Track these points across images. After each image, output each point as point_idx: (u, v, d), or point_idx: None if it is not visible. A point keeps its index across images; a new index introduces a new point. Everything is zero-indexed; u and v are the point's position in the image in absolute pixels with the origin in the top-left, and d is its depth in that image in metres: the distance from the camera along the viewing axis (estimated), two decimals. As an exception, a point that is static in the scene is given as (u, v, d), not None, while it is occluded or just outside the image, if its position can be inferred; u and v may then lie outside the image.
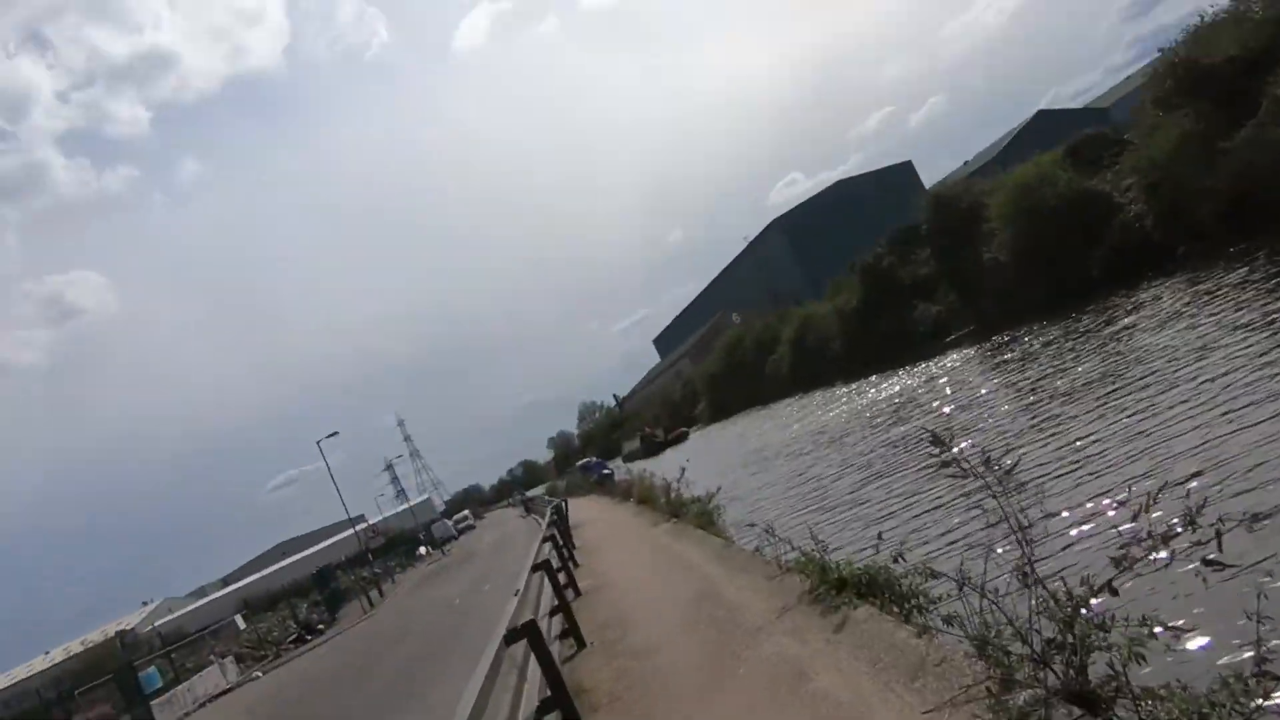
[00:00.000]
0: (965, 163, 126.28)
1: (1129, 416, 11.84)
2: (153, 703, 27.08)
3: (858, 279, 46.82)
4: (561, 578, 12.61)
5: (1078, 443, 11.66)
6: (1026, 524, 3.80)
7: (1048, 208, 29.16)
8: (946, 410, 20.22)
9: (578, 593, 13.07)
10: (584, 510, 31.37)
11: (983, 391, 21.12)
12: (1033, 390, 17.67)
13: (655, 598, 10.43)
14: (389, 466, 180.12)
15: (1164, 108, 25.74)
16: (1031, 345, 24.83)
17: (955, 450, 4.27)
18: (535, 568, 9.86)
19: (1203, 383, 11.69)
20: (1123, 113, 71.65)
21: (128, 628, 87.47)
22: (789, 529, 11.17)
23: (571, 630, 9.78)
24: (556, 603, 9.73)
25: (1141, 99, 28.88)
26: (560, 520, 21.83)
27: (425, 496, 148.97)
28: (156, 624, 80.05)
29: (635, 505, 23.78)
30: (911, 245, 48.37)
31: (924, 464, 15.11)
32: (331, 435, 50.11)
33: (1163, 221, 25.50)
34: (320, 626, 36.03)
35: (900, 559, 6.34)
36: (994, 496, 3.88)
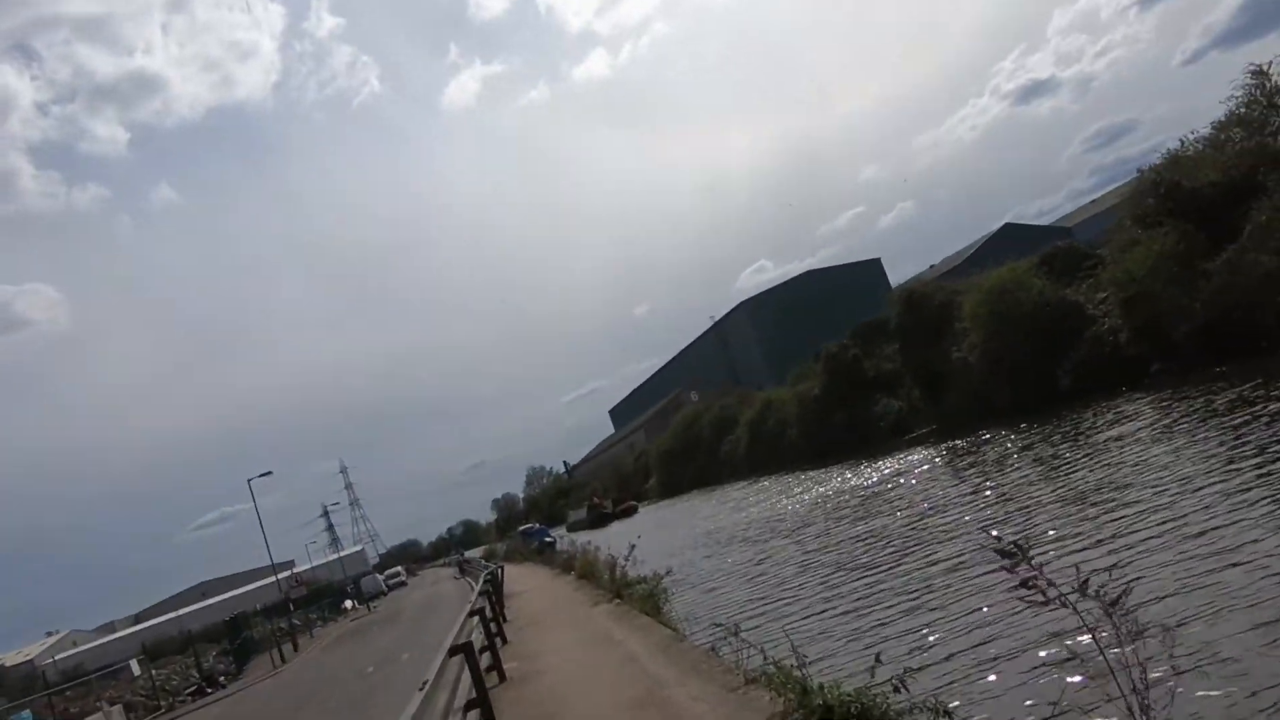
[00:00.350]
0: (931, 266, 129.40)
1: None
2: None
3: (821, 367, 46.34)
4: (487, 658, 11.14)
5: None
6: (1145, 685, 2.63)
7: (1021, 313, 28.91)
8: (925, 506, 19.16)
9: (503, 678, 11.53)
10: (521, 579, 29.59)
11: (953, 491, 20.19)
12: (1008, 497, 16.77)
13: (593, 698, 8.98)
14: (325, 513, 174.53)
15: (1143, 224, 25.76)
16: (1001, 448, 24.12)
17: (1029, 564, 3.11)
18: (454, 650, 8.42)
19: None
20: (1086, 234, 73.91)
21: (27, 658, 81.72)
22: (751, 627, 9.91)
23: (490, 730, 8.32)
24: (475, 695, 8.27)
25: (1120, 217, 29.06)
26: (494, 589, 20.24)
27: (359, 548, 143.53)
28: (56, 658, 74.96)
29: (576, 579, 22.21)
30: (877, 339, 48.25)
31: (906, 563, 13.95)
32: (265, 474, 47.15)
33: (1137, 337, 25.24)
34: (222, 679, 33.23)
35: (903, 687, 5.13)
36: (1095, 640, 2.71)
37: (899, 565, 14.04)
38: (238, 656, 35.80)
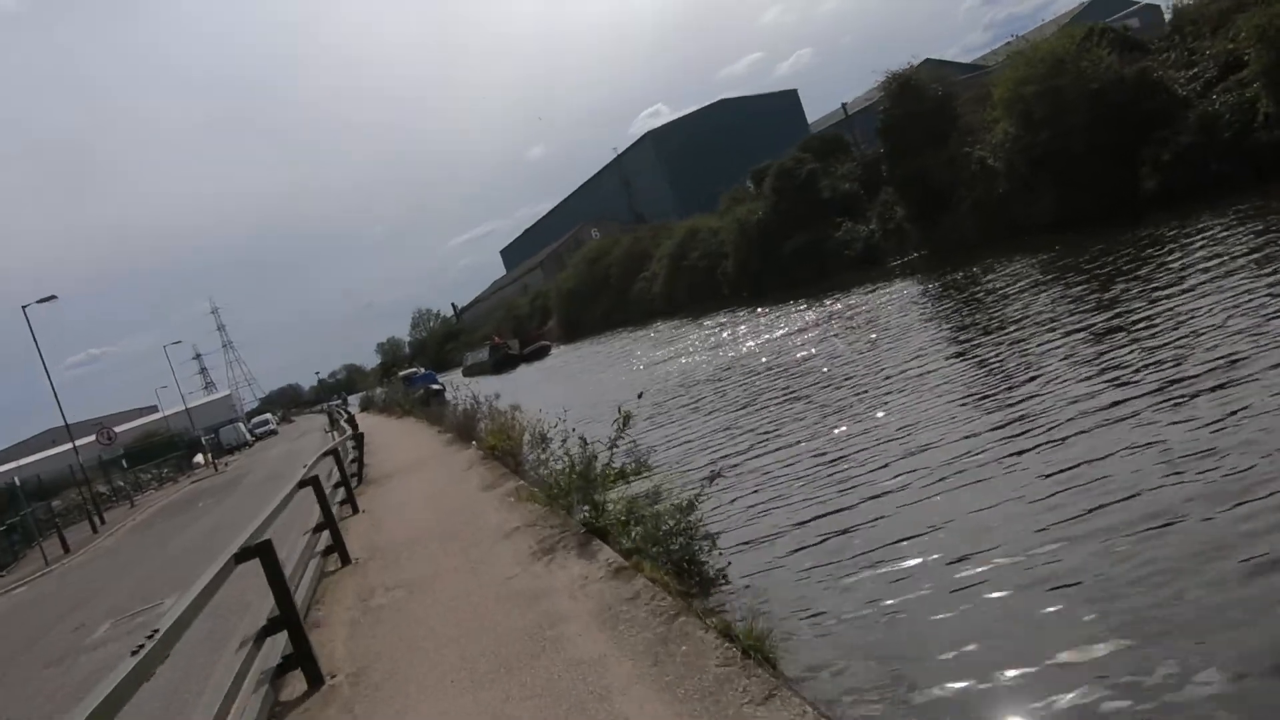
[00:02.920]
0: (843, 104, 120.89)
1: None
2: None
3: (770, 186, 38.26)
4: None
5: None
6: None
7: (1084, 92, 21.36)
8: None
9: None
10: (393, 447, 21.55)
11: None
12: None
13: None
14: (197, 355, 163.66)
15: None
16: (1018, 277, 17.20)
17: None
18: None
19: None
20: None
21: None
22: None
23: None
24: None
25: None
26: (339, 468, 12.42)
27: (225, 393, 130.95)
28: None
29: (477, 453, 14.39)
30: (832, 157, 40.53)
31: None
32: (48, 299, 34.51)
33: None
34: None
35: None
36: None
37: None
38: (6, 541, 26.63)
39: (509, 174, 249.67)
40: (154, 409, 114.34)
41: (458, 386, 36.11)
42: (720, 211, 53.04)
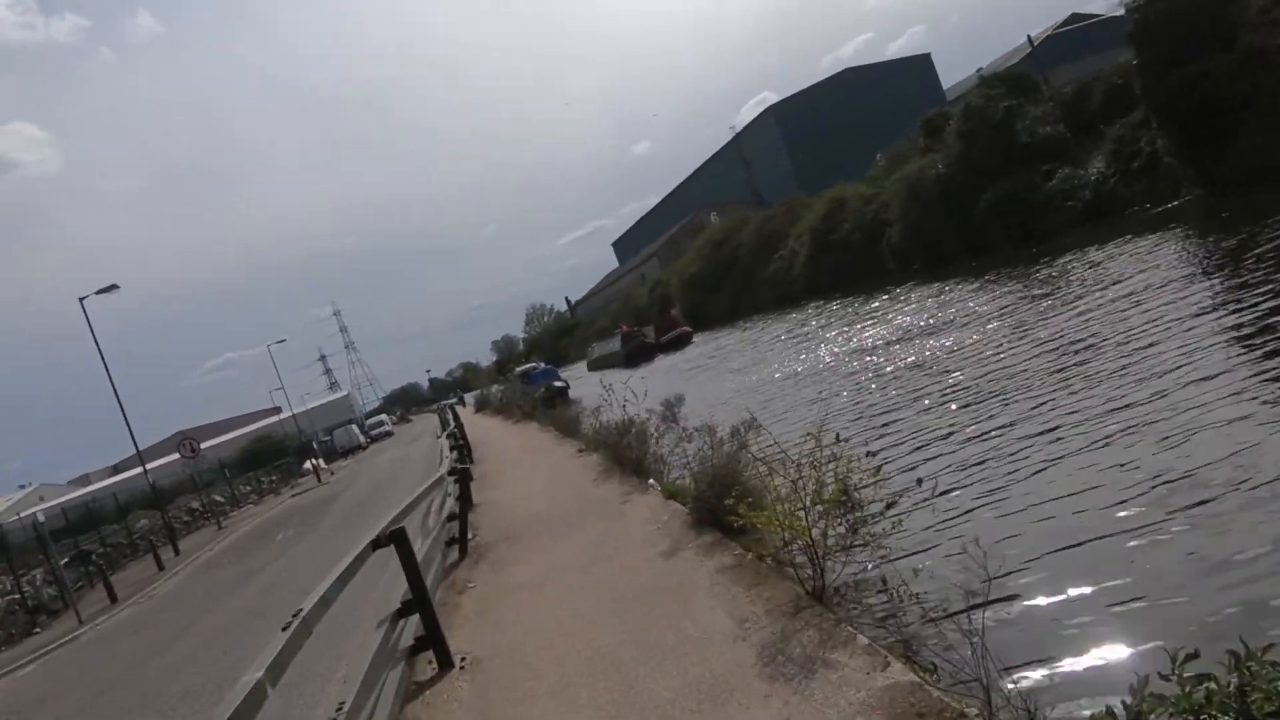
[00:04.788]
0: (979, 70, 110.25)
1: None
2: None
3: (955, 131, 31.14)
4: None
5: None
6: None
7: None
8: None
9: None
10: (515, 475, 15.94)
11: None
12: None
13: None
14: (322, 357, 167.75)
15: None
16: None
17: None
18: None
19: None
20: None
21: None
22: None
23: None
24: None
25: None
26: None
27: (343, 393, 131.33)
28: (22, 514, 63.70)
29: (663, 503, 8.62)
30: (1023, 96, 33.09)
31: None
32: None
33: None
34: (38, 621, 20.37)
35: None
36: None
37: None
38: (76, 577, 22.50)
39: (615, 172, 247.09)
40: (278, 410, 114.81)
41: (580, 380, 30.27)
42: (870, 177, 46.05)
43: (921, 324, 20.47)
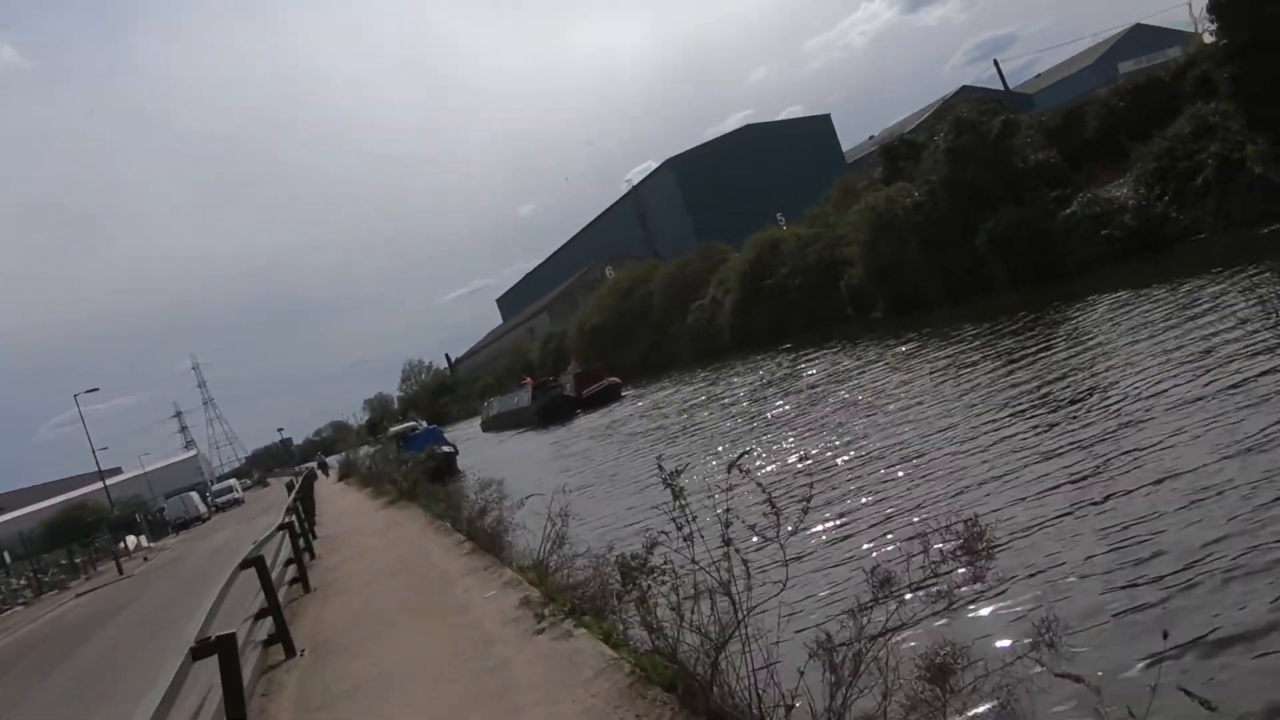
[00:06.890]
0: (871, 137, 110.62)
1: None
2: None
3: (944, 149, 26.23)
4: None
5: None
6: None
7: None
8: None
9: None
10: (383, 643, 8.58)
11: None
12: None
13: None
14: (178, 414, 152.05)
15: None
16: None
17: None
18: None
19: None
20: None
21: None
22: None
23: None
24: None
25: None
26: None
27: (191, 454, 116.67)
28: None
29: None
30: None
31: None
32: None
33: None
34: None
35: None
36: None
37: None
38: None
39: (501, 231, 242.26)
40: (118, 470, 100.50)
41: (466, 439, 22.94)
42: (811, 215, 41.23)
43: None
